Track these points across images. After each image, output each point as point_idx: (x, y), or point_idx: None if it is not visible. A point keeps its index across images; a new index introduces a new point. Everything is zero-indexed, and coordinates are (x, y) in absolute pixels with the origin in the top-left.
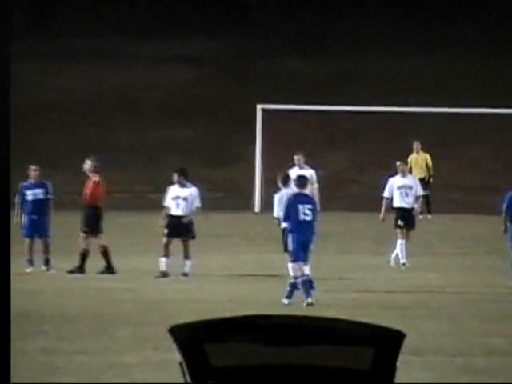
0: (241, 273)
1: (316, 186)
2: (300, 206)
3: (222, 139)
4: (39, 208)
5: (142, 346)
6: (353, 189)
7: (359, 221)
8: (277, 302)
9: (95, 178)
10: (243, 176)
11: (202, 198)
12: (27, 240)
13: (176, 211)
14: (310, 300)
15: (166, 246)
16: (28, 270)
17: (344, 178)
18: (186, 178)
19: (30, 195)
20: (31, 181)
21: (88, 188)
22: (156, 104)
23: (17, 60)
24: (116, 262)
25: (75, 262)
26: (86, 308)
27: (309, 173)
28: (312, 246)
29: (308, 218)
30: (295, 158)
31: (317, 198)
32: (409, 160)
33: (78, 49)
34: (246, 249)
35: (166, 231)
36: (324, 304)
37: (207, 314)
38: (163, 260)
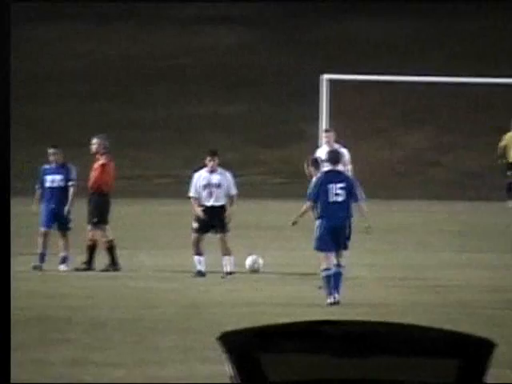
0: (302, 271)
1: (349, 167)
2: (330, 186)
3: (279, 114)
4: (59, 196)
5: (187, 356)
6: (434, 173)
7: (441, 211)
8: (343, 306)
9: (103, 159)
10: (305, 157)
11: (246, 184)
12: (42, 230)
13: (209, 201)
14: (333, 299)
15: (197, 244)
16: (34, 264)
17: (423, 161)
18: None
19: (49, 181)
20: (52, 164)
21: (94, 171)
22: (199, 73)
23: (29, 21)
24: (156, 258)
25: (104, 259)
26: (120, 312)
27: None
28: (349, 232)
29: (340, 199)
30: (324, 135)
31: None
32: (503, 140)
33: (103, 7)
34: (308, 243)
35: (195, 226)
36: (400, 307)
37: (262, 320)
38: (197, 258)
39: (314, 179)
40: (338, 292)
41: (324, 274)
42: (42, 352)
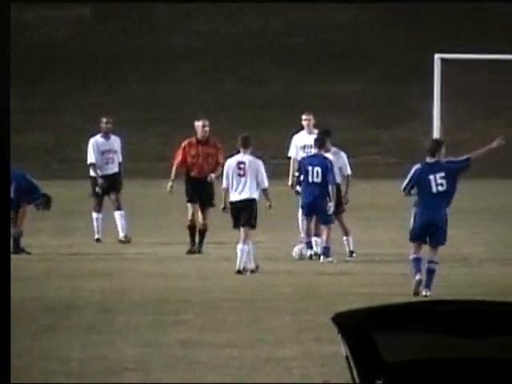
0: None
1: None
2: (431, 177)
3: (394, 94)
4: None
5: (301, 337)
6: None
7: None
8: (459, 286)
9: (213, 142)
10: (419, 137)
11: (360, 165)
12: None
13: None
14: (425, 293)
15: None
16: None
17: None
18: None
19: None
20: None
21: (199, 155)
22: (314, 51)
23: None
24: (270, 238)
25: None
26: (235, 293)
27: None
28: (446, 226)
29: (442, 189)
30: (303, 117)
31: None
32: None
33: None
34: None
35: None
36: None
37: (377, 300)
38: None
39: (412, 170)
40: (429, 289)
41: (411, 257)
42: (155, 333)
